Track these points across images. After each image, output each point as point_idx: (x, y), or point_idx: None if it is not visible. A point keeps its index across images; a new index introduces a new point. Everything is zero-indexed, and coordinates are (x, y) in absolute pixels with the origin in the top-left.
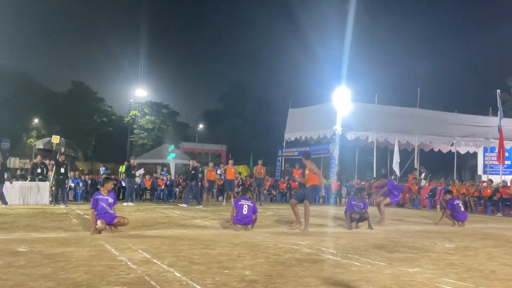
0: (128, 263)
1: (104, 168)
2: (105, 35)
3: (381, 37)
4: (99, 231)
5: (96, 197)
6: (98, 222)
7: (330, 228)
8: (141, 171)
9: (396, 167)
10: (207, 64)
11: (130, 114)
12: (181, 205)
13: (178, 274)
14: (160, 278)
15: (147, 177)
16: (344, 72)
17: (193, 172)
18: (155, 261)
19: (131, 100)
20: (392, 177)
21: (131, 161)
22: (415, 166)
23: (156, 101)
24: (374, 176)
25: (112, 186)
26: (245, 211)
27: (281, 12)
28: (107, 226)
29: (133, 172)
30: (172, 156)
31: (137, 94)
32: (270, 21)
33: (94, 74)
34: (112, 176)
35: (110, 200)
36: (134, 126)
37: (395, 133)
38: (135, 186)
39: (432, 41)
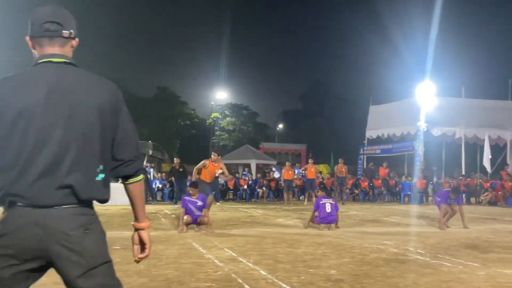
0: (215, 261)
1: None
2: (188, 39)
3: (467, 27)
4: (186, 224)
5: (185, 197)
6: (186, 216)
7: (417, 228)
8: (220, 171)
9: (487, 164)
10: (286, 64)
11: (212, 116)
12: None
13: (263, 272)
14: (247, 276)
15: (230, 177)
16: (428, 65)
17: (181, 170)
18: (241, 259)
19: (212, 103)
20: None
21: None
22: (508, 162)
23: (236, 103)
24: (463, 173)
25: (197, 191)
26: (328, 209)
27: (362, 7)
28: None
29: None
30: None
31: (218, 97)
32: (350, 17)
33: (177, 78)
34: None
35: (199, 203)
36: (215, 128)
37: (485, 128)
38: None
39: None
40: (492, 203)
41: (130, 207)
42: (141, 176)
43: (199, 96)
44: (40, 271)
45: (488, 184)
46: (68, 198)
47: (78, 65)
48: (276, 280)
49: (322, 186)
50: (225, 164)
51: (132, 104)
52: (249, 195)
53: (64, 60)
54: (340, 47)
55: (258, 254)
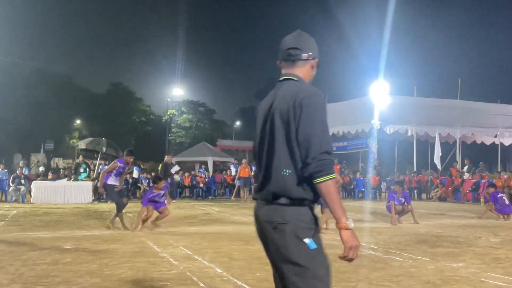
0: (170, 259)
1: (137, 167)
2: (142, 36)
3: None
4: (144, 220)
5: (148, 196)
6: (145, 209)
7: (370, 223)
8: (176, 168)
9: (437, 161)
10: (243, 61)
11: (168, 113)
12: None
13: (219, 270)
14: (202, 274)
15: (186, 174)
16: (382, 65)
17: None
18: (196, 257)
19: (168, 100)
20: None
21: (167, 158)
22: (457, 159)
23: (193, 100)
24: (415, 170)
25: (164, 184)
26: None
27: (317, 7)
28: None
29: (170, 170)
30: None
31: (174, 93)
32: (306, 16)
33: (132, 74)
34: (152, 173)
35: (162, 192)
36: (172, 125)
37: (436, 126)
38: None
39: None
40: (442, 198)
41: (83, 206)
42: (322, 179)
43: (155, 93)
44: None
45: (438, 180)
46: None
47: (297, 80)
48: (231, 278)
49: None
50: (182, 162)
51: (84, 99)
52: (206, 193)
53: (286, 77)
54: None
55: (213, 252)
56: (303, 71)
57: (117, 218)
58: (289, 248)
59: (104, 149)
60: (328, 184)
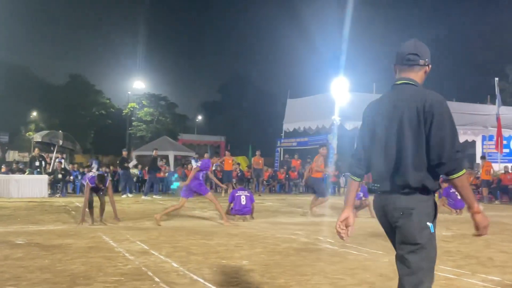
0: (126, 254)
1: (95, 161)
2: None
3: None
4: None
5: (90, 185)
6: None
7: (328, 218)
8: (134, 162)
9: None
10: (205, 56)
11: (129, 106)
12: (144, 197)
13: (175, 265)
14: (157, 269)
15: (147, 168)
16: (342, 62)
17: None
18: (153, 252)
19: (129, 92)
20: None
21: (124, 153)
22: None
23: (154, 93)
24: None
25: (103, 187)
26: (243, 201)
27: (279, 3)
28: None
29: (126, 164)
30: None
31: (135, 86)
32: (268, 12)
33: (91, 66)
34: (111, 167)
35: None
36: (132, 118)
37: None
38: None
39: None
40: None
41: (38, 200)
42: (457, 174)
43: (116, 86)
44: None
45: None
46: None
47: (416, 85)
48: (187, 272)
49: (238, 177)
50: (142, 156)
51: (41, 91)
52: (166, 187)
53: (405, 81)
54: (259, 41)
55: (171, 246)
56: (418, 75)
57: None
58: (415, 230)
59: (60, 142)
60: (462, 179)
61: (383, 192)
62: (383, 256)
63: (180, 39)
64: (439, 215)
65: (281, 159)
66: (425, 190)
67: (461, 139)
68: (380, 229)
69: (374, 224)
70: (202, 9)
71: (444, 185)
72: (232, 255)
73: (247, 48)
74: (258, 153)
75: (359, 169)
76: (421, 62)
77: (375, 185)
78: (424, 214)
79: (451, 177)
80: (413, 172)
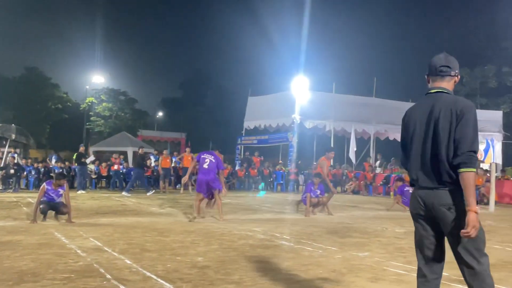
0: (78, 251)
1: (55, 156)
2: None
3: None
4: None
5: (46, 187)
6: (42, 205)
7: (286, 215)
8: (91, 158)
9: (352, 155)
10: (167, 51)
11: (86, 101)
12: (125, 194)
13: (128, 262)
14: (110, 266)
15: (103, 164)
16: (302, 61)
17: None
18: (106, 249)
19: (87, 87)
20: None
21: (81, 148)
22: (371, 155)
23: (113, 88)
24: (331, 164)
25: (65, 182)
26: (206, 165)
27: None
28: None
29: (83, 159)
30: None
31: (94, 81)
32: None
33: (48, 59)
34: (66, 163)
35: (61, 191)
36: (90, 113)
37: (352, 122)
38: (90, 174)
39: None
40: (355, 191)
41: None
42: (466, 169)
43: (74, 80)
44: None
45: (353, 174)
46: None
47: (449, 93)
48: (140, 269)
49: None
50: (100, 152)
51: None
52: (124, 184)
53: (438, 90)
54: (221, 38)
55: (125, 243)
56: (449, 85)
57: None
58: (463, 221)
59: (13, 136)
60: (469, 175)
61: (424, 188)
62: (336, 253)
63: (141, 34)
64: (393, 213)
65: (242, 156)
66: (460, 186)
67: None
68: (336, 226)
69: (330, 221)
70: (164, 4)
71: (399, 183)
72: (187, 251)
73: (209, 45)
74: (218, 150)
75: (404, 164)
76: (452, 73)
77: (414, 180)
78: (463, 204)
79: (460, 170)
80: (450, 170)
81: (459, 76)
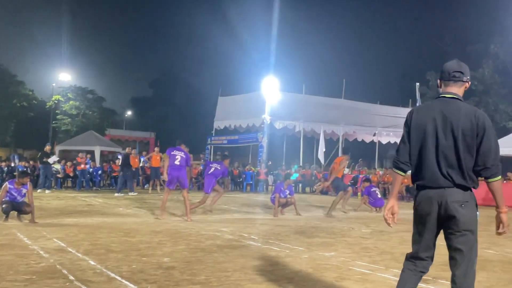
0: (40, 252)
1: (17, 155)
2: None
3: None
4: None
5: (8, 186)
6: (4, 205)
7: (255, 215)
8: (55, 157)
9: (321, 156)
10: (137, 50)
11: (53, 99)
12: (117, 194)
13: (92, 262)
14: (73, 267)
15: (69, 164)
16: (272, 62)
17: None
18: (70, 250)
19: (53, 84)
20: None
21: (46, 147)
22: (339, 155)
23: (81, 86)
24: (301, 164)
25: (28, 180)
26: (177, 161)
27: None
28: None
29: (45, 159)
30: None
31: (61, 78)
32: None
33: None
34: (31, 162)
35: (24, 191)
36: (57, 111)
37: (321, 123)
38: (56, 174)
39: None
40: (324, 192)
41: None
42: (496, 178)
43: (39, 77)
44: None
45: (321, 174)
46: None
47: (462, 100)
48: (105, 270)
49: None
50: (66, 151)
51: None
52: (90, 183)
53: (453, 96)
54: (192, 37)
55: (90, 244)
56: (460, 90)
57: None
58: (472, 217)
59: None
60: (499, 183)
61: (438, 188)
62: (303, 253)
63: (111, 32)
64: (360, 213)
65: (211, 156)
66: (472, 187)
67: (384, 140)
68: (303, 226)
69: (298, 221)
70: (134, 1)
71: (366, 184)
72: (153, 252)
73: (180, 44)
74: (183, 144)
75: (405, 166)
76: (464, 79)
77: (426, 181)
78: (475, 206)
79: (491, 180)
80: (468, 173)
81: (469, 82)
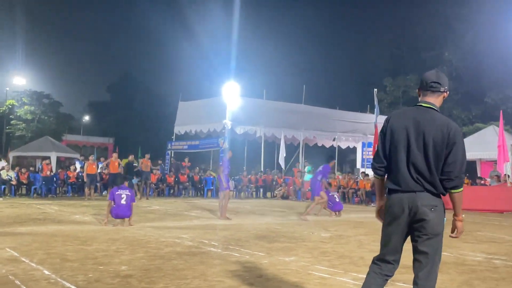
0: None
1: None
2: None
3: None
4: None
5: None
6: None
7: (215, 221)
8: (3, 163)
9: (282, 161)
10: (94, 53)
11: (7, 103)
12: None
13: (47, 272)
14: (26, 277)
15: (23, 170)
16: (232, 67)
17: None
18: (23, 259)
19: (7, 89)
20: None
21: None
22: (300, 160)
23: (36, 90)
24: (262, 169)
25: None
26: (123, 201)
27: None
28: None
29: None
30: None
31: (15, 82)
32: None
33: None
34: None
35: None
36: (11, 116)
37: (282, 128)
38: (8, 180)
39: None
40: (284, 197)
41: None
42: (457, 190)
43: None
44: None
45: (282, 179)
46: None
47: (437, 110)
48: (59, 280)
49: (120, 176)
50: (21, 157)
51: None
52: (46, 190)
53: (429, 106)
54: (151, 41)
55: (44, 253)
56: (438, 100)
57: None
58: (440, 221)
59: None
60: (460, 195)
61: (408, 192)
62: (263, 258)
63: (66, 35)
64: (320, 218)
65: (171, 162)
66: (440, 193)
67: (343, 145)
68: (264, 231)
69: (257, 226)
70: (91, 4)
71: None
72: (111, 260)
73: (138, 48)
74: (147, 155)
75: (379, 170)
76: (442, 89)
77: (397, 185)
78: (443, 211)
79: (454, 191)
80: (437, 179)
81: (448, 92)
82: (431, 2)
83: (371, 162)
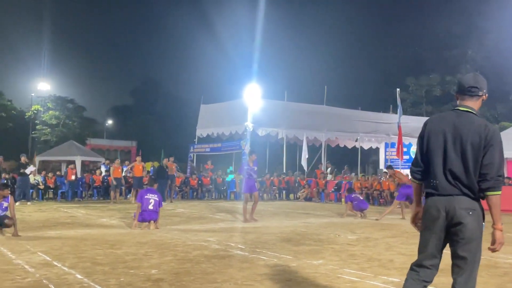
0: (25, 266)
1: None
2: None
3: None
4: None
5: None
6: None
7: (240, 223)
8: (31, 168)
9: (304, 163)
10: (117, 58)
11: (32, 109)
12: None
13: (79, 276)
14: (60, 281)
15: (50, 174)
16: (254, 69)
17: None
18: (55, 263)
19: (33, 94)
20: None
21: (22, 158)
22: (322, 162)
23: (60, 96)
24: (284, 171)
25: (9, 193)
26: (151, 206)
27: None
28: None
29: (22, 170)
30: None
31: (40, 88)
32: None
33: None
34: (11, 174)
35: (5, 204)
36: (36, 121)
37: (304, 130)
38: (35, 185)
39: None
40: (307, 198)
41: None
42: (494, 192)
43: (18, 87)
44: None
45: (305, 181)
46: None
47: (476, 113)
48: (92, 284)
49: (151, 177)
50: (46, 161)
51: None
52: (72, 194)
53: (467, 109)
54: (173, 45)
55: (75, 257)
56: (477, 104)
57: None
58: (478, 226)
59: None
60: (497, 198)
61: (446, 195)
62: (291, 261)
63: (90, 40)
64: (346, 220)
65: (194, 165)
66: (479, 197)
67: (366, 146)
68: (289, 234)
69: (283, 228)
70: (113, 9)
71: (348, 193)
72: (140, 264)
73: (161, 52)
74: (171, 158)
75: (417, 174)
76: (480, 93)
77: (434, 189)
78: (481, 215)
79: (489, 193)
80: (474, 183)
81: (486, 95)
82: (453, 1)
83: (410, 166)
